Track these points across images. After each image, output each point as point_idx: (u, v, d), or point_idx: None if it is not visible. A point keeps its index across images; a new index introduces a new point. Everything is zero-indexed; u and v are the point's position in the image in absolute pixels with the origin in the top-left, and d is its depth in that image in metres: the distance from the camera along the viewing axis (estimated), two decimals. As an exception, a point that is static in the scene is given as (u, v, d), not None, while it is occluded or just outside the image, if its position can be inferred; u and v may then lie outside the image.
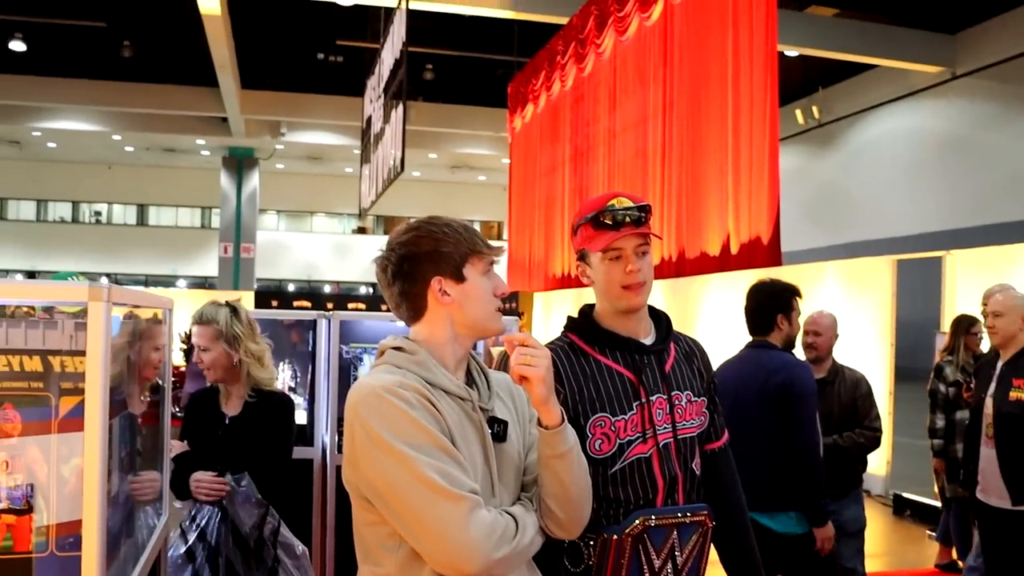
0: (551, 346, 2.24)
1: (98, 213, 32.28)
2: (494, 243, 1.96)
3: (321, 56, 20.77)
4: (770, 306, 3.97)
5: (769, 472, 3.71)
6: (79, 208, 32.11)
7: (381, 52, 13.96)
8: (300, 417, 5.08)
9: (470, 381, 1.96)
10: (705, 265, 10.62)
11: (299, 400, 5.33)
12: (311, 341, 4.59)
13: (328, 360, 4.38)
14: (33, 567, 1.98)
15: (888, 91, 12.75)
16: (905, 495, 8.01)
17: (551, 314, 17.52)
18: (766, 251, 9.44)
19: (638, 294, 2.23)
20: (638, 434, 2.20)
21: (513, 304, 17.31)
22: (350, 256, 31.78)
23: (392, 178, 12.66)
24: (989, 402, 4.28)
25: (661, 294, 12.42)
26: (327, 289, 31.56)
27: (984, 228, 10.12)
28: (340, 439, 4.21)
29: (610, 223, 2.20)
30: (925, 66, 11.77)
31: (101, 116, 23.30)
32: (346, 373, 4.56)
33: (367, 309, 18.98)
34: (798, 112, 14.72)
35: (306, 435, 4.79)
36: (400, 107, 11.70)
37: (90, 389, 1.84)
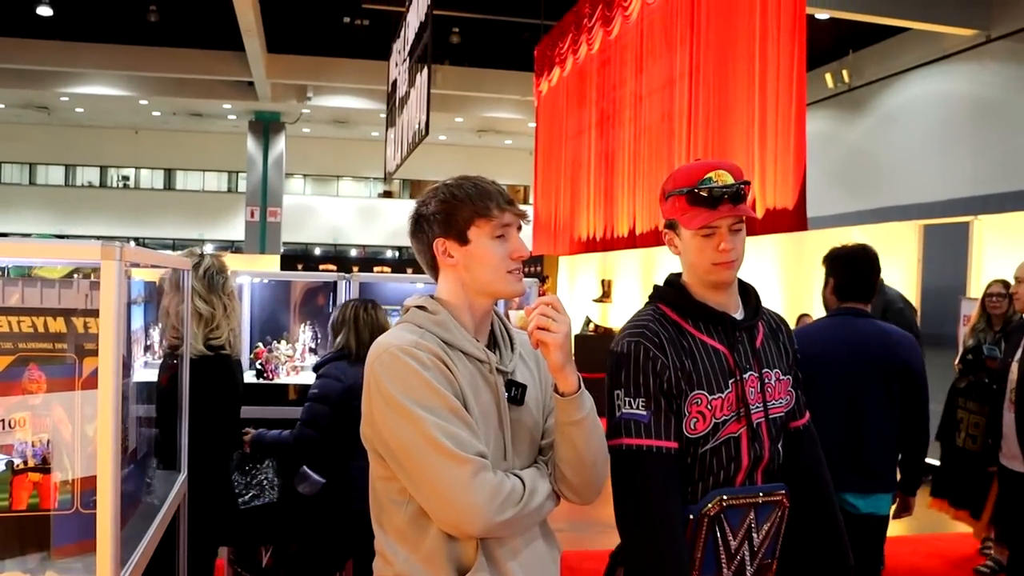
0: (643, 317, 2.22)
1: (126, 178, 32.43)
2: (519, 207, 1.93)
3: (347, 19, 20.71)
4: (875, 270, 3.77)
5: (880, 449, 3.60)
6: (107, 173, 32.25)
7: (407, 15, 13.90)
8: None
9: (493, 342, 1.98)
10: (730, 230, 10.55)
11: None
12: (331, 303, 4.61)
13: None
14: (54, 524, 2.01)
15: (920, 54, 12.55)
16: (928, 460, 7.97)
17: (576, 278, 17.50)
18: (792, 216, 9.38)
19: (729, 269, 2.17)
20: (732, 413, 2.16)
21: (538, 267, 17.30)
22: (376, 220, 31.83)
23: (417, 142, 12.64)
24: (1015, 367, 4.25)
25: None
26: (353, 253, 31.63)
27: (1015, 194, 9.98)
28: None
29: (706, 199, 2.13)
30: (959, 29, 11.55)
31: (128, 81, 23.36)
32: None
33: (393, 272, 19.05)
34: (828, 76, 14.53)
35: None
36: (425, 71, 11.66)
37: (103, 347, 1.86)
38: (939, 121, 12.02)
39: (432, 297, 1.95)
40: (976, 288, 9.31)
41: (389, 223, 31.32)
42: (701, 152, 11.36)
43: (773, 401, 2.23)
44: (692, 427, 2.14)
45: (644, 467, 2.10)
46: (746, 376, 2.18)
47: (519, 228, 1.95)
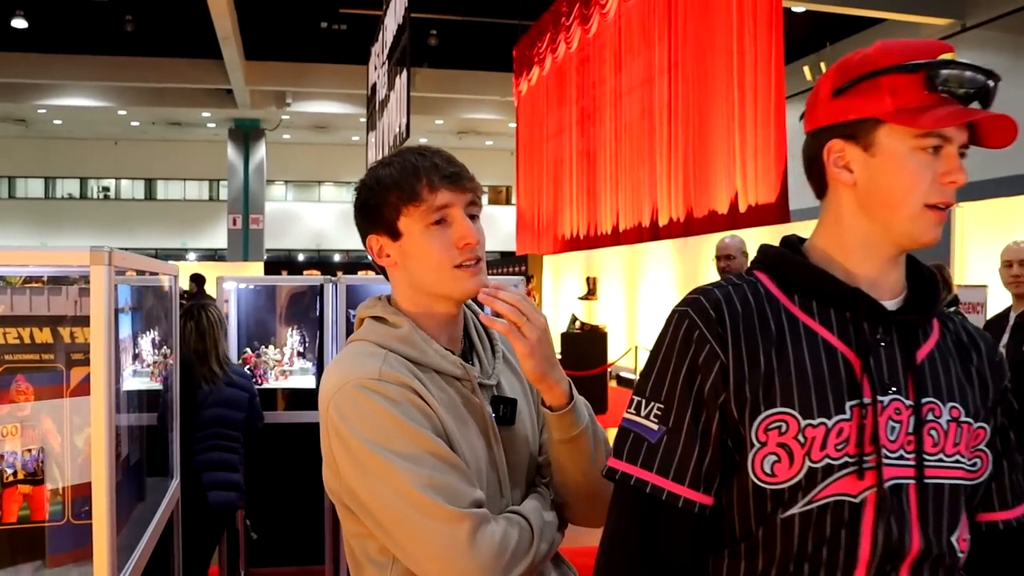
0: (726, 280, 1.35)
1: (106, 189, 32.31)
2: (466, 181, 1.52)
3: (325, 24, 20.70)
4: None
5: None
6: (87, 184, 32.13)
7: (384, 19, 13.91)
8: (308, 382, 5.15)
9: (469, 347, 1.63)
10: (714, 224, 10.61)
11: (307, 365, 5.38)
12: (318, 307, 4.61)
13: (335, 325, 4.39)
14: (48, 534, 2.01)
15: (896, 45, 12.61)
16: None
17: (560, 276, 17.52)
18: (775, 208, 9.42)
19: (941, 221, 1.25)
20: (846, 457, 1.20)
21: (523, 267, 17.31)
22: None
23: (398, 145, 12.64)
24: (1001, 352, 4.29)
25: (669, 255, 12.40)
26: (337, 258, 31.60)
27: (994, 181, 10.04)
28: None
29: (951, 90, 1.23)
30: (934, 19, 11.66)
31: (106, 92, 23.28)
32: (355, 338, 4.58)
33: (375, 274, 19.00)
34: (806, 69, 14.61)
35: (315, 399, 4.84)
36: (404, 73, 11.68)
37: (95, 353, 1.84)
38: (917, 111, 12.08)
39: (389, 303, 1.59)
40: (960, 274, 9.38)
41: (369, 227, 31.32)
42: (682, 147, 11.40)
43: (940, 454, 1.25)
44: (767, 469, 1.21)
45: (643, 521, 1.27)
46: (885, 400, 1.23)
47: (472, 204, 1.54)
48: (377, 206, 1.52)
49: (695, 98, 10.93)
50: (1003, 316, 4.51)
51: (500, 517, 1.45)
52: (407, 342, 1.51)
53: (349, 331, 4.55)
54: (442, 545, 1.38)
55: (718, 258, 5.09)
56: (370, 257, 1.59)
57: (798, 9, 12.69)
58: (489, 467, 1.52)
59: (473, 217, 1.53)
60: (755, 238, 12.30)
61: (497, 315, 1.51)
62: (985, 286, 7.43)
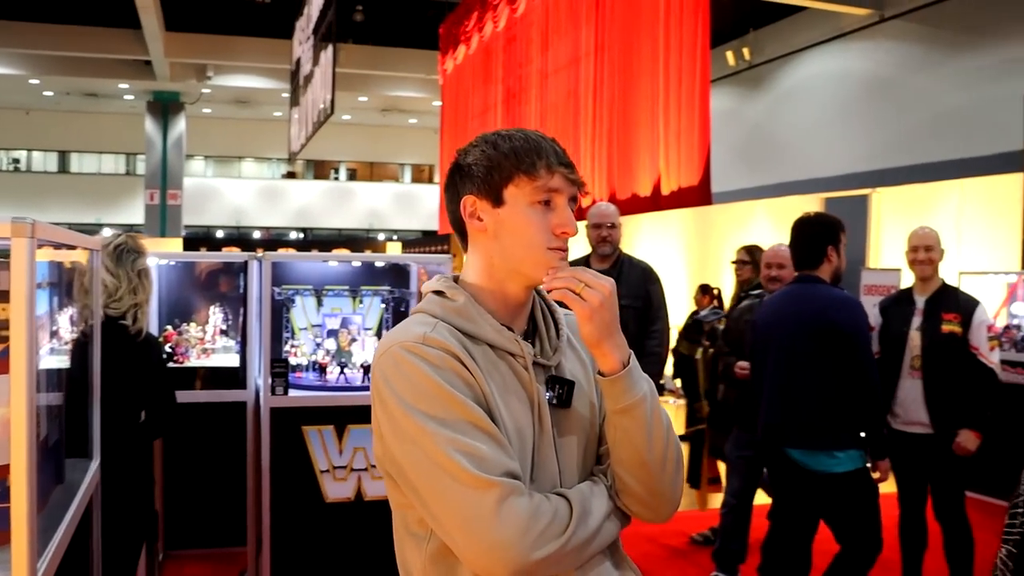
0: None
1: (16, 160, 31.30)
2: (577, 172, 1.55)
3: (247, -3, 20.30)
4: (822, 238, 3.84)
5: (817, 410, 3.71)
6: (-4, 155, 31.18)
7: (309, -8, 13.71)
8: (231, 360, 5.07)
9: (533, 329, 1.62)
10: (637, 206, 10.69)
11: (231, 343, 5.30)
12: (242, 284, 4.54)
13: (260, 302, 4.32)
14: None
15: (818, 33, 12.83)
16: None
17: (484, 257, 17.51)
18: (697, 191, 9.52)
19: None
20: None
21: (445, 247, 17.26)
22: (280, 201, 31.35)
23: (322, 121, 12.50)
24: (916, 335, 4.43)
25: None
26: (257, 235, 31.14)
27: (908, 168, 10.30)
28: (274, 381, 4.18)
29: None
30: (854, 8, 11.85)
31: (18, 59, 22.50)
32: (278, 315, 4.53)
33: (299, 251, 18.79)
34: (729, 54, 14.75)
35: (238, 378, 4.77)
36: (330, 49, 11.53)
37: (15, 330, 1.78)
38: (836, 98, 12.32)
39: (454, 279, 1.61)
40: (875, 258, 9.61)
41: (293, 204, 30.94)
42: (606, 129, 11.45)
43: None
44: None
45: None
46: None
47: (573, 199, 1.56)
48: (488, 168, 1.52)
49: (620, 80, 10.98)
50: (903, 299, 4.65)
51: (537, 493, 1.42)
52: (461, 314, 1.52)
53: (276, 309, 4.50)
54: (467, 511, 1.37)
55: (768, 265, 4.90)
56: (457, 218, 1.58)
57: (723, -6, 12.82)
58: (538, 447, 1.50)
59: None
60: (678, 220, 12.45)
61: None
62: (898, 270, 7.63)
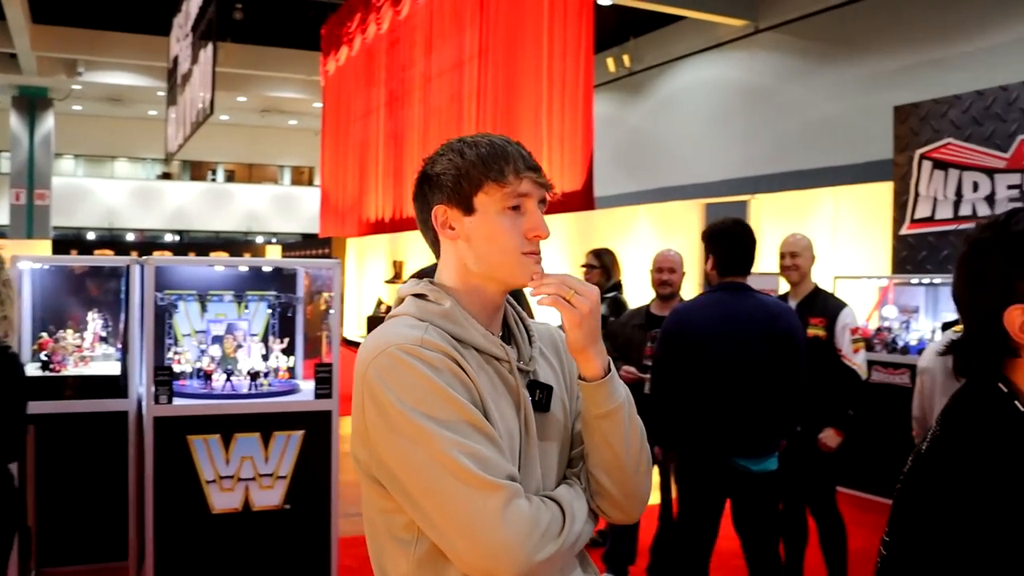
0: None
1: None
2: (544, 175, 1.58)
3: (121, -9, 19.67)
4: (752, 245, 3.86)
5: (769, 416, 3.76)
6: None
7: (187, -12, 13.39)
8: (111, 368, 4.90)
9: (507, 336, 1.65)
10: (521, 210, 10.73)
11: (111, 350, 5.13)
12: (123, 289, 4.40)
13: (143, 308, 4.20)
14: None
15: (696, 42, 13.12)
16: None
17: (365, 260, 17.39)
18: (580, 196, 9.61)
19: None
20: None
21: (327, 250, 17.08)
22: (154, 203, 30.45)
23: (201, 121, 12.22)
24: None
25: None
26: (130, 237, 30.20)
27: (781, 175, 10.62)
28: (157, 390, 4.06)
29: None
30: (730, 19, 12.15)
31: None
32: (160, 321, 4.41)
33: (175, 255, 18.33)
34: (609, 60, 14.96)
35: (119, 387, 4.62)
36: (210, 47, 11.27)
37: None
38: (714, 105, 12.61)
39: (431, 282, 1.62)
40: (755, 263, 9.86)
41: (168, 205, 30.09)
42: (490, 132, 11.48)
43: None
44: None
45: None
46: None
47: (542, 201, 1.58)
48: (456, 177, 1.55)
49: (504, 85, 11.03)
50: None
51: (533, 497, 1.46)
52: (449, 318, 1.54)
53: (158, 315, 4.38)
54: (473, 514, 1.37)
55: (659, 270, 5.00)
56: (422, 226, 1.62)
57: (604, 2, 12.99)
58: (524, 450, 1.53)
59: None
60: (562, 225, 12.58)
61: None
62: (777, 274, 7.87)
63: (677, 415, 3.84)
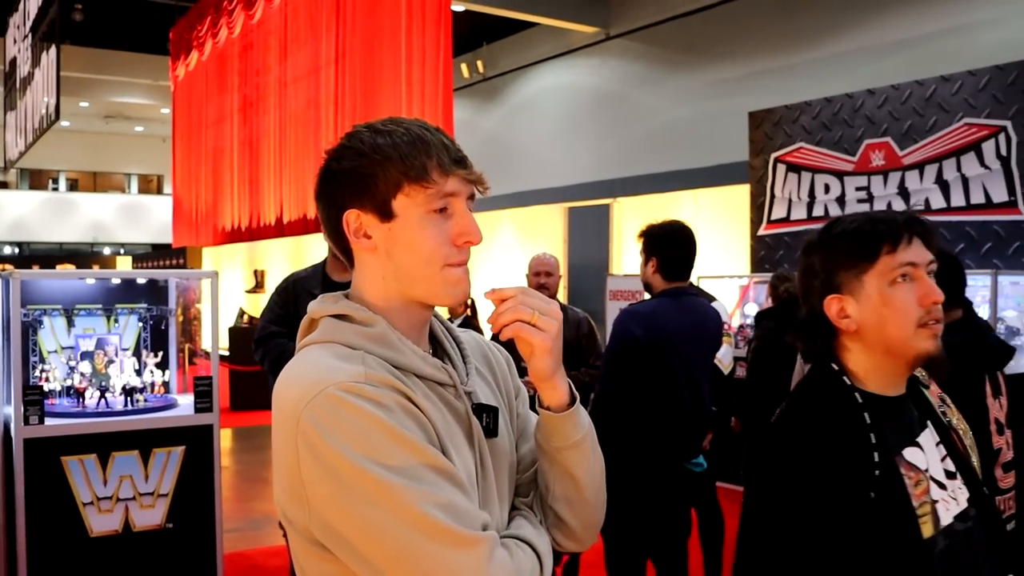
0: None
1: None
2: (473, 167, 1.35)
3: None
4: (695, 248, 3.74)
5: (699, 416, 3.72)
6: None
7: (25, -12, 12.80)
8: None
9: (438, 352, 1.44)
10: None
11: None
12: (-14, 306, 4.20)
13: (7, 325, 4.01)
14: None
15: (548, 48, 13.33)
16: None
17: (222, 269, 16.96)
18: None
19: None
20: None
21: (182, 260, 16.61)
22: (-11, 213, 29.05)
23: (46, 128, 11.72)
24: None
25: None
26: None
27: (635, 178, 10.90)
28: (27, 409, 3.89)
29: None
30: (582, 26, 12.38)
31: None
32: (25, 338, 4.24)
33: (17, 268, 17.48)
34: (463, 66, 15.06)
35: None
36: (53, 50, 10.81)
37: None
38: (567, 110, 12.84)
39: (347, 297, 1.39)
40: (618, 265, 10.12)
41: (6, 216, 28.57)
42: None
43: None
44: None
45: None
46: None
47: (470, 198, 1.36)
48: (370, 177, 1.30)
49: (362, 90, 10.97)
50: None
51: (507, 542, 1.27)
52: (382, 342, 1.30)
53: (26, 333, 4.19)
54: (452, 574, 1.17)
55: (537, 273, 5.01)
56: (325, 234, 1.39)
57: (458, 8, 13.06)
58: (481, 486, 1.32)
59: None
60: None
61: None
62: (638, 275, 8.10)
63: (635, 422, 3.58)
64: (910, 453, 1.65)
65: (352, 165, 1.31)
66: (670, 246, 3.69)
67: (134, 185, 31.66)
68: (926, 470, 1.66)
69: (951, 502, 1.66)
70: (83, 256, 26.31)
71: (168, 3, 16.44)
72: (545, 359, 1.31)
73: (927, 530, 1.60)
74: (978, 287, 5.90)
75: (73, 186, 31.05)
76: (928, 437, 1.71)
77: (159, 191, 30.69)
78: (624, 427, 3.55)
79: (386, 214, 1.31)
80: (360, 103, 11.03)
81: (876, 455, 1.59)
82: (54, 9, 10.71)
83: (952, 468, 1.72)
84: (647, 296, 3.90)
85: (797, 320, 1.81)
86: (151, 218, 29.11)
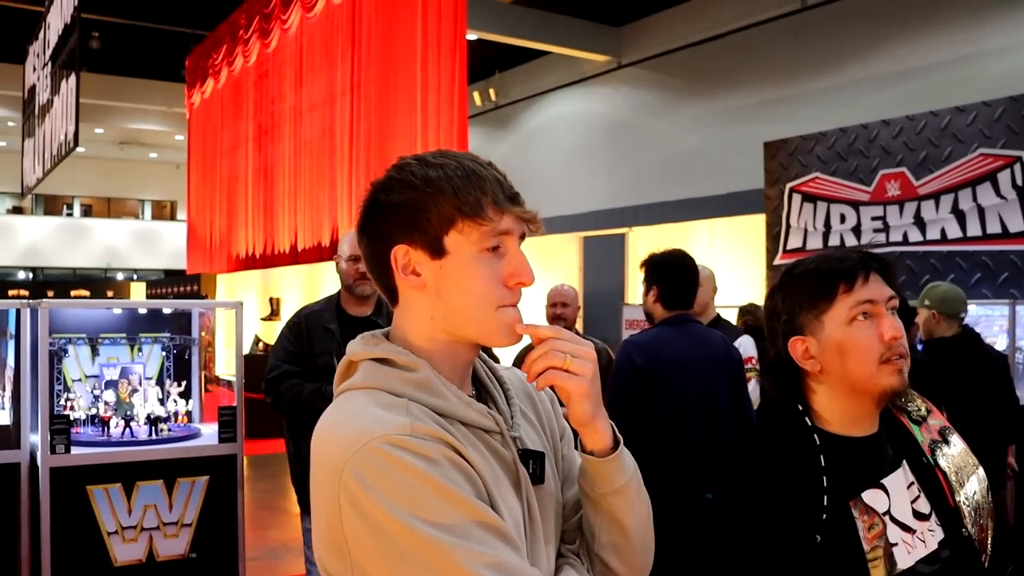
0: None
1: None
2: (526, 206, 1.29)
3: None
4: (696, 276, 3.76)
5: (713, 448, 3.60)
6: None
7: (47, 16, 12.93)
8: (2, 417, 4.69)
9: (481, 395, 1.37)
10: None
11: None
12: (14, 333, 4.23)
13: (36, 353, 4.05)
14: None
15: (560, 77, 13.42)
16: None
17: (236, 296, 17.02)
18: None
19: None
20: None
21: (196, 287, 16.68)
22: (5, 238, 29.08)
23: (64, 155, 11.83)
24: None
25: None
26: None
27: (647, 207, 10.93)
28: (54, 438, 3.92)
29: None
30: (593, 55, 12.48)
31: None
32: (51, 366, 4.27)
33: (30, 297, 17.57)
34: (476, 94, 15.16)
35: (11, 437, 4.43)
36: (73, 78, 10.92)
37: None
38: (579, 138, 12.90)
39: (387, 338, 1.32)
40: (633, 295, 10.14)
41: (21, 241, 28.69)
42: (363, 167, 11.49)
43: None
44: None
45: None
46: None
47: (522, 237, 1.30)
48: (422, 211, 1.24)
49: (377, 119, 11.04)
50: None
51: None
52: (427, 388, 1.24)
53: (53, 362, 4.23)
54: None
55: (553, 304, 5.09)
56: (382, 270, 1.30)
57: (470, 37, 13.17)
58: (530, 539, 1.27)
59: None
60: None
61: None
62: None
63: (643, 455, 3.52)
64: (869, 495, 1.63)
65: (403, 198, 1.25)
66: (670, 275, 3.71)
67: (148, 211, 31.83)
68: (886, 512, 1.63)
69: (918, 544, 1.64)
70: (97, 282, 26.41)
71: (184, 31, 16.60)
72: (583, 404, 1.25)
73: (878, 574, 1.58)
74: (995, 317, 5.91)
75: (87, 212, 31.23)
76: (898, 477, 1.68)
77: (172, 217, 30.83)
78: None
79: (437, 251, 1.25)
80: (375, 132, 11.09)
81: (826, 498, 1.59)
82: (74, 38, 10.83)
83: (925, 509, 1.68)
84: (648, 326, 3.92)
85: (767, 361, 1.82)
86: (164, 244, 29.21)
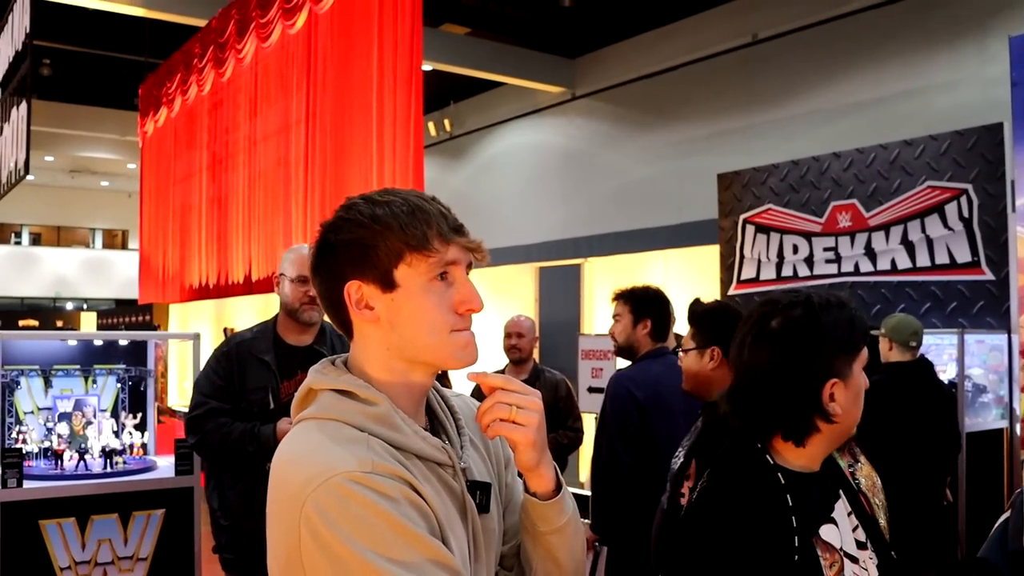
0: None
1: None
2: (471, 236, 1.37)
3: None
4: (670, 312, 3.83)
5: None
6: None
7: (-4, 44, 12.80)
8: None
9: (434, 425, 1.43)
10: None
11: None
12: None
13: (-14, 389, 4.00)
14: None
15: (515, 107, 13.51)
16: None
17: (189, 327, 16.84)
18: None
19: None
20: None
21: (148, 317, 16.48)
22: (-51, 267, 28.64)
23: (15, 182, 11.67)
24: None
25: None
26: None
27: (600, 237, 10.99)
28: (5, 472, 3.86)
29: None
30: (548, 86, 12.59)
31: None
32: (2, 399, 4.21)
33: (-23, 326, 17.27)
34: (431, 124, 15.21)
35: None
36: (24, 105, 10.80)
37: None
38: (533, 169, 12.96)
39: (349, 372, 1.36)
40: (588, 325, 10.18)
41: (-36, 272, 28.27)
42: (319, 197, 11.48)
43: None
44: None
45: None
46: None
47: (469, 266, 1.37)
48: (371, 248, 1.30)
49: (332, 148, 11.03)
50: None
51: None
52: (386, 423, 1.29)
53: (5, 394, 4.17)
54: None
55: (508, 335, 5.18)
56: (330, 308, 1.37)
57: (426, 68, 13.24)
58: (472, 565, 1.33)
59: None
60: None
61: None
62: (607, 335, 8.17)
63: (649, 489, 3.49)
64: (826, 531, 1.63)
65: (352, 237, 1.31)
66: (662, 309, 3.83)
67: (99, 240, 31.42)
68: (840, 548, 1.63)
69: (862, 574, 1.65)
70: (46, 311, 25.99)
71: (137, 59, 16.49)
72: (528, 452, 1.32)
73: None
74: (944, 346, 6.02)
75: (36, 240, 30.75)
76: (841, 508, 1.70)
77: (124, 246, 30.46)
78: (639, 495, 3.51)
79: (389, 284, 1.31)
80: (331, 161, 11.08)
81: (797, 539, 1.57)
82: (25, 65, 10.71)
83: (863, 538, 1.70)
84: (619, 358, 3.93)
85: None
86: (115, 273, 28.80)
